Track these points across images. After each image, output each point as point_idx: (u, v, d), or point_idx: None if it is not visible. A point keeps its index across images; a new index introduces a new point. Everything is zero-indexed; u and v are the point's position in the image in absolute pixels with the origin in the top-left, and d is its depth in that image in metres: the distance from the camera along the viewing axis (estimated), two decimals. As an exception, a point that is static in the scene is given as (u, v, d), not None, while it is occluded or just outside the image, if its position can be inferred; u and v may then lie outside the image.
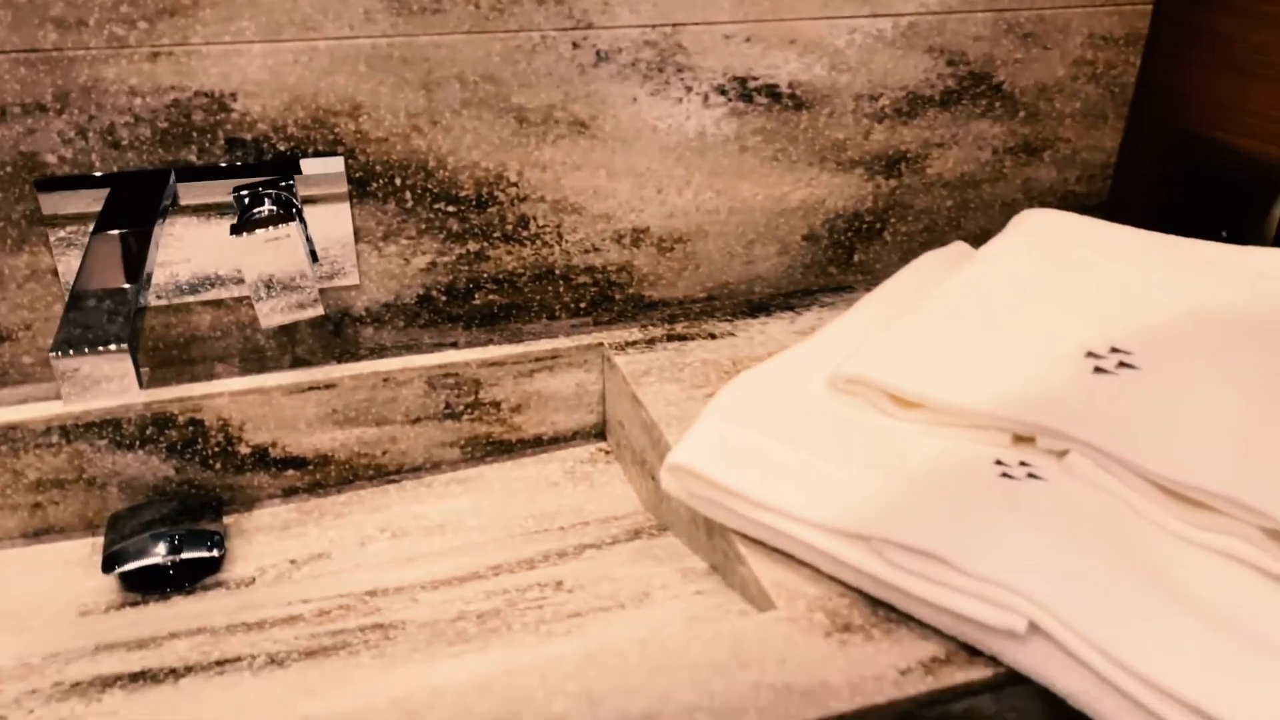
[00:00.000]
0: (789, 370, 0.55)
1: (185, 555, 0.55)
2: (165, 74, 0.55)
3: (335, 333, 0.65)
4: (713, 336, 0.68)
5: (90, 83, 0.54)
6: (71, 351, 0.45)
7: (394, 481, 0.65)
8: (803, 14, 0.65)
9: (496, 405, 0.66)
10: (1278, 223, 0.67)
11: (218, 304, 0.62)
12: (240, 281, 0.61)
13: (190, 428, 0.60)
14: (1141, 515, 0.44)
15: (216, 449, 0.61)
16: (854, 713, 0.39)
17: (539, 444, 0.68)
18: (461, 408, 0.65)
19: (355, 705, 0.38)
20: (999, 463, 0.46)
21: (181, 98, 0.56)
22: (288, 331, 0.64)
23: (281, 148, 0.59)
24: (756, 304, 0.73)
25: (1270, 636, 0.38)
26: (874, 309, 0.61)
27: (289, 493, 0.63)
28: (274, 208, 0.58)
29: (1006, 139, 0.75)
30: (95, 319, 0.48)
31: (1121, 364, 0.49)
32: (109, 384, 0.47)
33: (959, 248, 0.70)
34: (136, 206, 0.55)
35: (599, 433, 0.69)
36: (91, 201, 0.57)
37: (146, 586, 0.55)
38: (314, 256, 0.62)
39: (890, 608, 0.44)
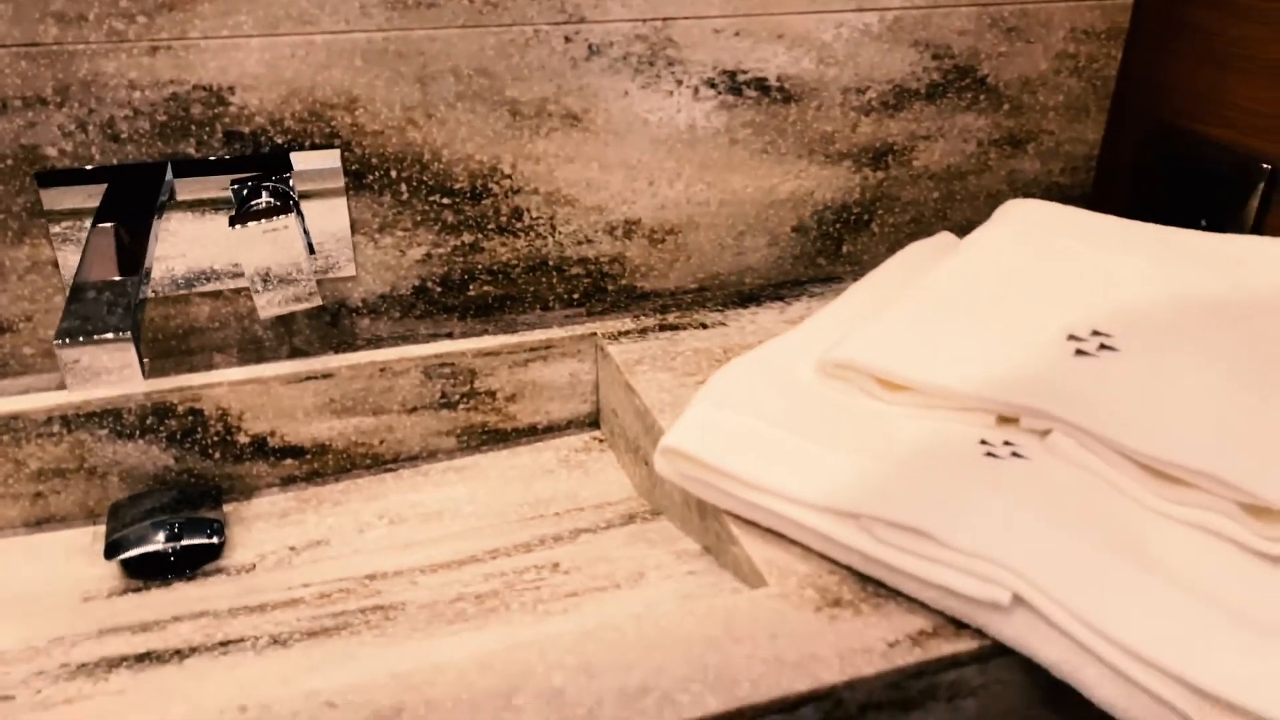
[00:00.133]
0: (779, 357, 0.56)
1: (186, 542, 0.56)
2: (164, 68, 0.56)
3: (332, 323, 0.66)
4: (704, 326, 0.69)
5: (90, 76, 0.55)
6: (76, 340, 0.46)
7: (391, 470, 0.65)
8: (790, 8, 0.66)
9: (492, 395, 0.67)
10: (1255, 212, 0.69)
11: (216, 295, 0.63)
12: (235, 275, 0.62)
13: (189, 417, 0.60)
14: (1122, 492, 0.45)
15: (215, 438, 0.61)
16: (844, 684, 0.40)
17: (534, 433, 0.69)
18: (457, 397, 0.66)
19: (358, 680, 0.39)
20: (984, 442, 0.47)
21: (180, 91, 0.57)
22: (285, 322, 0.65)
23: (279, 141, 0.60)
24: (747, 294, 0.74)
25: (1244, 606, 0.40)
26: (862, 297, 0.63)
27: (287, 481, 0.64)
28: (271, 200, 0.59)
29: (991, 131, 0.76)
30: (98, 309, 0.49)
31: (1102, 346, 0.50)
32: (112, 372, 0.48)
33: (945, 238, 0.71)
34: (135, 200, 0.56)
35: (593, 422, 0.70)
36: (88, 197, 0.58)
37: (148, 573, 0.56)
38: (310, 249, 0.63)
39: (879, 583, 0.45)
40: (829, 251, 0.76)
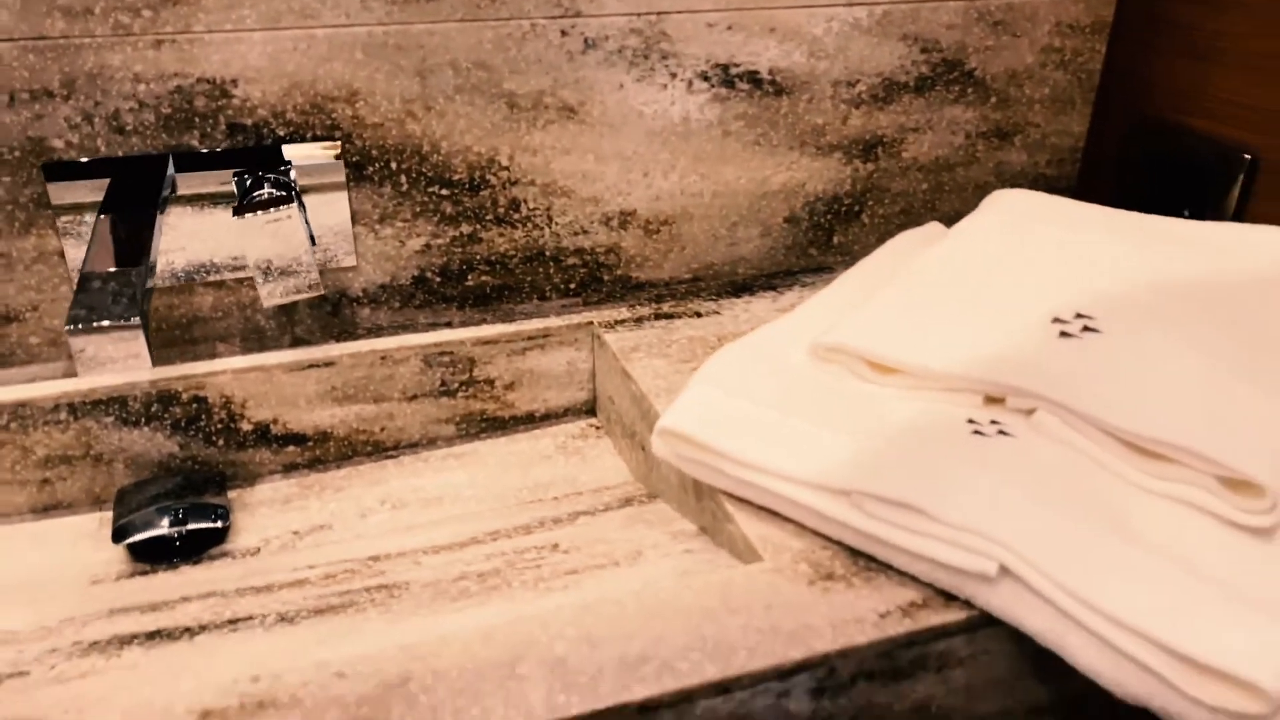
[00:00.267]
0: (772, 341, 0.58)
1: (191, 526, 0.57)
2: (168, 61, 0.57)
3: (333, 313, 0.67)
4: (698, 315, 0.70)
5: (96, 69, 0.56)
6: (87, 327, 0.47)
7: (392, 457, 0.67)
8: (782, 3, 0.68)
9: (490, 383, 0.68)
10: (1236, 201, 0.71)
11: (219, 285, 0.64)
12: (234, 269, 0.63)
13: (194, 405, 0.62)
14: (1104, 467, 0.47)
15: (219, 425, 0.62)
16: (837, 652, 0.42)
17: (531, 420, 0.70)
18: (456, 385, 0.67)
19: (366, 652, 0.40)
20: (971, 421, 0.49)
21: (184, 84, 0.58)
22: (287, 312, 0.66)
23: (281, 133, 0.61)
24: (740, 284, 0.75)
25: (1222, 575, 0.41)
26: (852, 285, 0.64)
27: (290, 468, 0.65)
28: (273, 191, 0.60)
29: (979, 124, 0.77)
30: (108, 297, 0.50)
31: (1086, 328, 0.52)
32: (122, 359, 0.49)
33: (934, 227, 0.72)
34: (139, 192, 0.57)
35: (589, 409, 0.71)
36: (93, 191, 0.59)
37: (154, 557, 0.57)
38: (312, 240, 0.64)
39: (870, 558, 0.47)
40: (820, 242, 0.77)
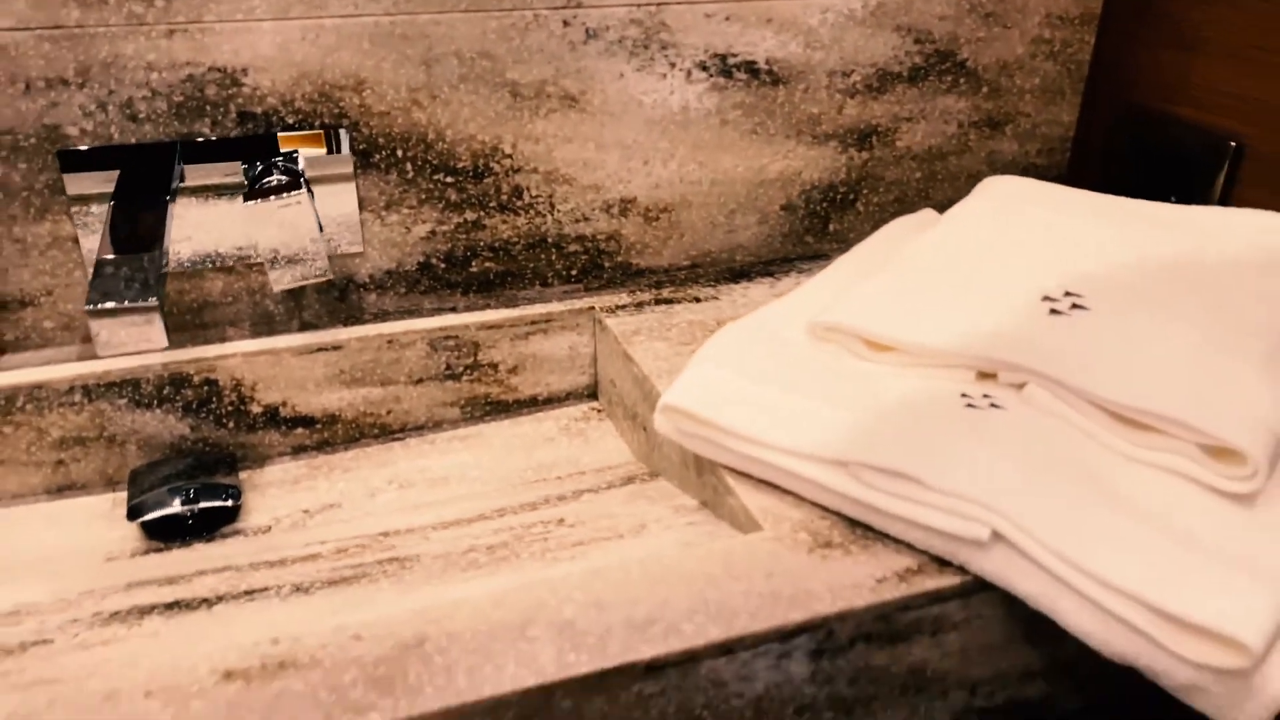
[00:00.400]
0: (771, 322, 0.59)
1: (203, 505, 0.59)
2: (181, 50, 0.59)
3: (340, 299, 0.68)
4: (697, 300, 0.72)
5: (110, 58, 0.58)
6: (105, 308, 0.49)
7: (398, 439, 0.68)
8: (778, -6, 0.69)
9: (494, 367, 0.69)
10: (1221, 188, 0.72)
11: (229, 270, 0.65)
12: (239, 259, 0.65)
13: (205, 387, 0.63)
14: (1092, 438, 0.48)
15: (230, 408, 0.64)
16: (835, 615, 0.43)
17: (534, 404, 0.72)
18: (461, 369, 0.69)
19: (382, 615, 0.41)
20: (964, 395, 0.50)
21: (196, 73, 0.59)
22: (295, 297, 0.67)
23: (290, 121, 0.62)
24: (738, 271, 0.77)
25: (1202, 536, 0.43)
26: (848, 268, 0.66)
27: (298, 450, 0.66)
28: (283, 177, 0.62)
29: (971, 113, 0.79)
30: (124, 280, 0.51)
31: (1074, 306, 0.53)
32: (139, 339, 0.50)
33: (927, 214, 0.74)
34: (151, 180, 0.58)
35: (591, 393, 0.73)
36: (104, 179, 0.60)
37: (167, 536, 0.58)
38: (319, 227, 0.66)
39: (867, 527, 0.48)
40: (816, 229, 0.79)
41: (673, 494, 0.59)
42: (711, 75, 0.70)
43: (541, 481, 0.63)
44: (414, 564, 0.53)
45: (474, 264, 0.70)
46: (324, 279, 0.62)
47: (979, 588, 0.46)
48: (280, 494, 0.62)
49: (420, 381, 0.68)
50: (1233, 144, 0.71)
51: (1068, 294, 0.54)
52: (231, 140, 0.61)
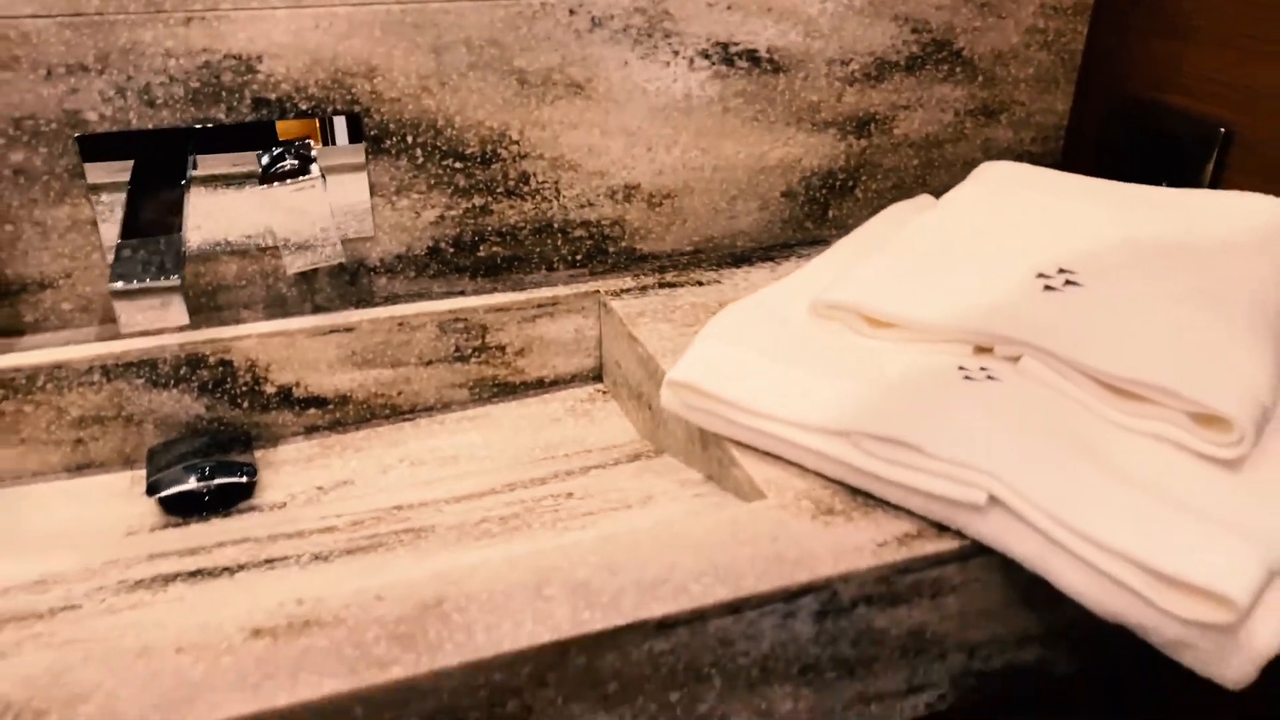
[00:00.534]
0: (773, 300, 0.61)
1: (220, 481, 0.60)
2: (197, 37, 0.60)
3: (351, 282, 0.70)
4: (700, 284, 0.74)
5: (129, 45, 0.59)
6: (129, 286, 0.50)
7: (409, 419, 0.70)
8: (779, -16, 0.71)
9: (502, 349, 0.71)
10: (1211, 173, 0.74)
11: (243, 254, 0.67)
12: (250, 244, 0.66)
13: (220, 368, 0.64)
14: (1085, 407, 0.50)
15: (244, 388, 0.65)
16: (838, 576, 0.45)
17: (541, 385, 0.73)
18: (469, 351, 0.70)
19: (401, 578, 0.43)
20: (961, 368, 0.52)
21: (212, 60, 0.61)
22: (307, 281, 0.69)
23: (304, 107, 0.64)
24: (739, 256, 0.79)
25: (1191, 499, 0.45)
26: (848, 250, 0.67)
27: (311, 430, 0.68)
28: (295, 162, 0.63)
29: (967, 102, 0.81)
30: (146, 260, 0.53)
31: (1068, 282, 0.55)
32: (161, 317, 0.52)
33: (924, 199, 0.76)
34: (167, 165, 0.60)
35: (596, 375, 0.74)
36: (123, 165, 0.61)
37: (185, 511, 0.60)
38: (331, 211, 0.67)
39: (868, 495, 0.50)
40: (816, 215, 0.81)
41: (678, 469, 0.61)
42: (713, 63, 0.72)
43: (549, 459, 0.65)
44: (429, 534, 0.55)
45: (482, 248, 0.72)
46: (336, 262, 0.64)
47: (976, 552, 0.47)
48: (294, 471, 0.64)
49: (430, 363, 0.69)
50: (1222, 130, 0.73)
51: (1061, 271, 0.56)
52: (235, 128, 0.63)
